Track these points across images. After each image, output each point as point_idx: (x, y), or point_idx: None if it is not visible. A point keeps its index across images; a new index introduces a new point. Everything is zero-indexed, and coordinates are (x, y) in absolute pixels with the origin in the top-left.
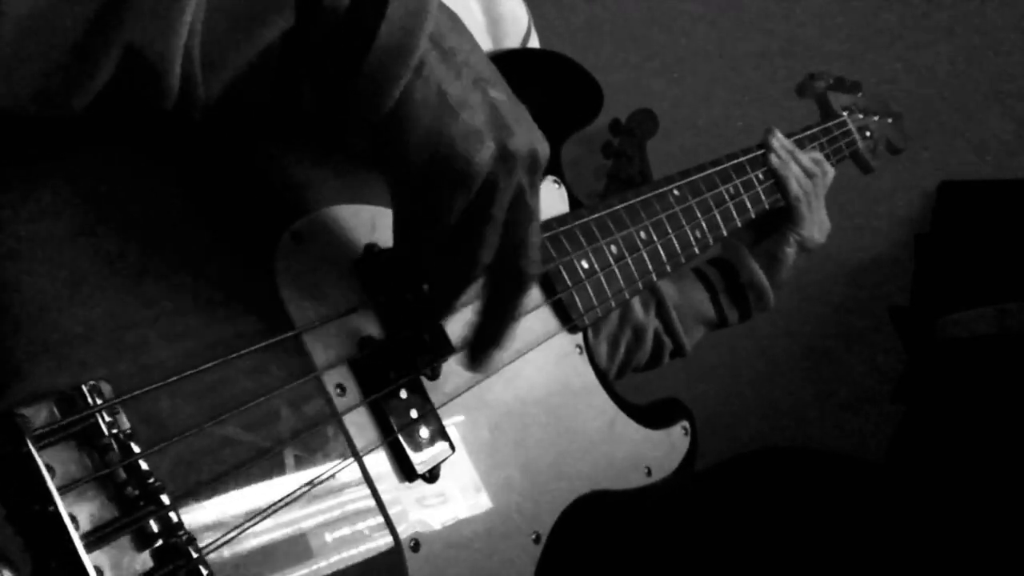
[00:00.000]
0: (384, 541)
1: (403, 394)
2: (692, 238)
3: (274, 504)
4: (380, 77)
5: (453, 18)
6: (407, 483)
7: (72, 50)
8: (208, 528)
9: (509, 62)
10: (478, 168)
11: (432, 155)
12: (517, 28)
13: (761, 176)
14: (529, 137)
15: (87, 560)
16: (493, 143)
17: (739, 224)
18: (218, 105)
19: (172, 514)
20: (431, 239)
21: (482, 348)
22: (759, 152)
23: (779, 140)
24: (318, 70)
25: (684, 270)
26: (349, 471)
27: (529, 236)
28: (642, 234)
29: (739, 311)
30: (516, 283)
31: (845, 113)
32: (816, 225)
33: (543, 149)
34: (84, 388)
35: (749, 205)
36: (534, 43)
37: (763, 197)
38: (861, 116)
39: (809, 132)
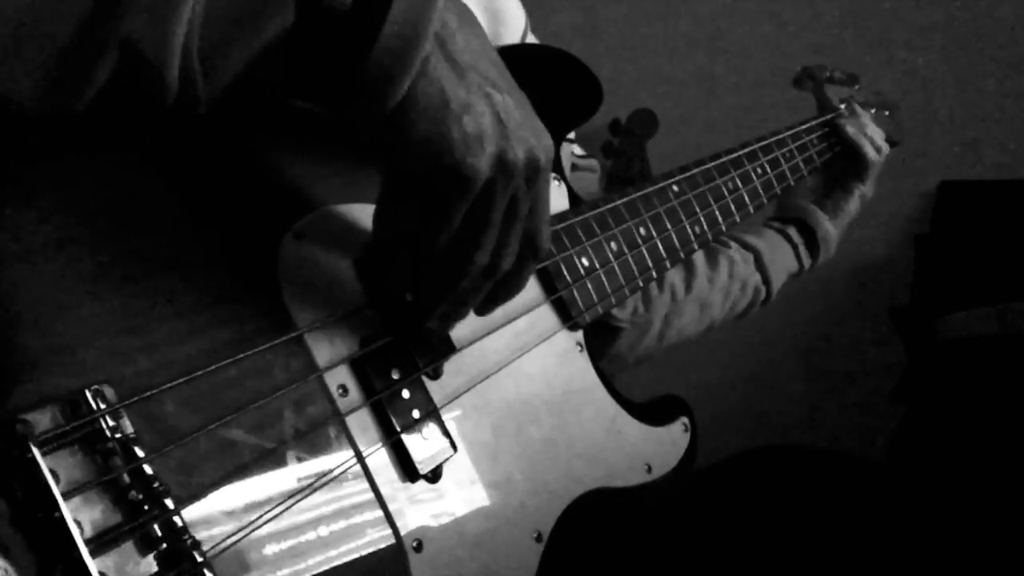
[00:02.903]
0: (387, 542)
1: (405, 394)
2: (691, 234)
3: (277, 506)
4: (382, 78)
5: (462, 14)
6: (409, 483)
7: (71, 43)
8: (212, 531)
9: (507, 57)
10: (476, 174)
11: (432, 159)
12: (515, 28)
13: (767, 165)
14: (531, 143)
15: (92, 565)
16: (494, 149)
17: (738, 219)
18: (220, 102)
19: (176, 518)
20: (417, 241)
21: (485, 304)
22: (762, 143)
23: (857, 110)
24: (318, 70)
25: (764, 229)
26: (352, 472)
27: (511, 239)
28: (641, 230)
29: (812, 260)
30: (501, 279)
31: (842, 106)
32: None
33: (546, 153)
34: (87, 393)
35: (747, 199)
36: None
37: (761, 192)
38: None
39: (806, 126)
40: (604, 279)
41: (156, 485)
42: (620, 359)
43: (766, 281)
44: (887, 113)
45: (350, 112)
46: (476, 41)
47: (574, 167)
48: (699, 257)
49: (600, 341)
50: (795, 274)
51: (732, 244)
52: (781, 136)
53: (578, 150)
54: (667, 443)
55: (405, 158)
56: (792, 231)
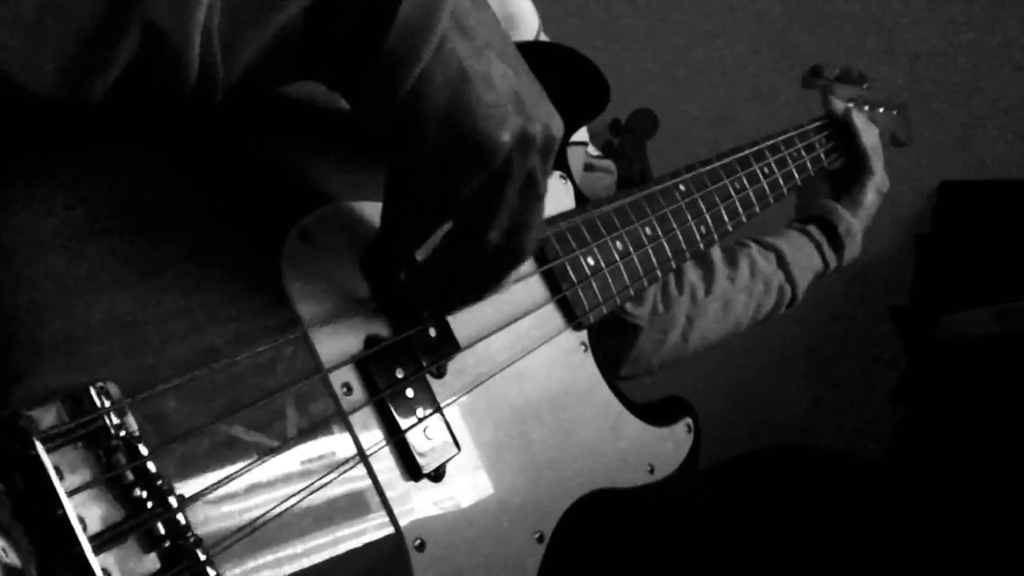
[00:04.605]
0: (389, 541)
1: (409, 392)
2: (697, 234)
3: (280, 504)
4: (400, 56)
5: None
6: (412, 482)
7: (93, 28)
8: (215, 529)
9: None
10: (499, 146)
11: (454, 133)
12: (527, 30)
13: (773, 165)
14: (547, 118)
15: (95, 562)
16: (514, 123)
17: (744, 220)
18: (238, 86)
19: (179, 515)
20: (430, 220)
21: (451, 302)
22: (769, 143)
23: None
24: (336, 49)
25: (786, 230)
26: (355, 471)
27: (533, 218)
28: (647, 230)
29: (838, 258)
30: (510, 259)
31: (850, 105)
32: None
33: (558, 130)
34: (92, 389)
35: (754, 199)
36: None
37: (768, 192)
38: (867, 108)
39: (814, 125)
40: (609, 279)
41: (159, 483)
42: (644, 359)
43: (790, 280)
44: (895, 113)
45: (367, 92)
46: (489, 20)
47: (590, 167)
48: (719, 257)
49: (620, 341)
50: (820, 273)
51: (752, 245)
52: (788, 135)
53: (593, 151)
54: (670, 444)
55: (424, 136)
56: (813, 229)
